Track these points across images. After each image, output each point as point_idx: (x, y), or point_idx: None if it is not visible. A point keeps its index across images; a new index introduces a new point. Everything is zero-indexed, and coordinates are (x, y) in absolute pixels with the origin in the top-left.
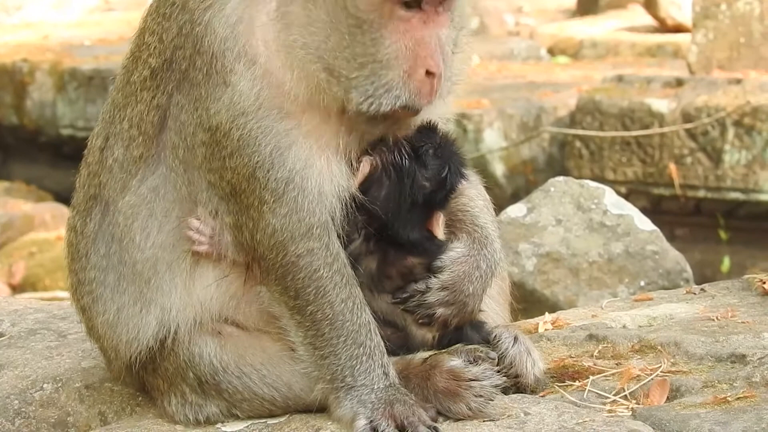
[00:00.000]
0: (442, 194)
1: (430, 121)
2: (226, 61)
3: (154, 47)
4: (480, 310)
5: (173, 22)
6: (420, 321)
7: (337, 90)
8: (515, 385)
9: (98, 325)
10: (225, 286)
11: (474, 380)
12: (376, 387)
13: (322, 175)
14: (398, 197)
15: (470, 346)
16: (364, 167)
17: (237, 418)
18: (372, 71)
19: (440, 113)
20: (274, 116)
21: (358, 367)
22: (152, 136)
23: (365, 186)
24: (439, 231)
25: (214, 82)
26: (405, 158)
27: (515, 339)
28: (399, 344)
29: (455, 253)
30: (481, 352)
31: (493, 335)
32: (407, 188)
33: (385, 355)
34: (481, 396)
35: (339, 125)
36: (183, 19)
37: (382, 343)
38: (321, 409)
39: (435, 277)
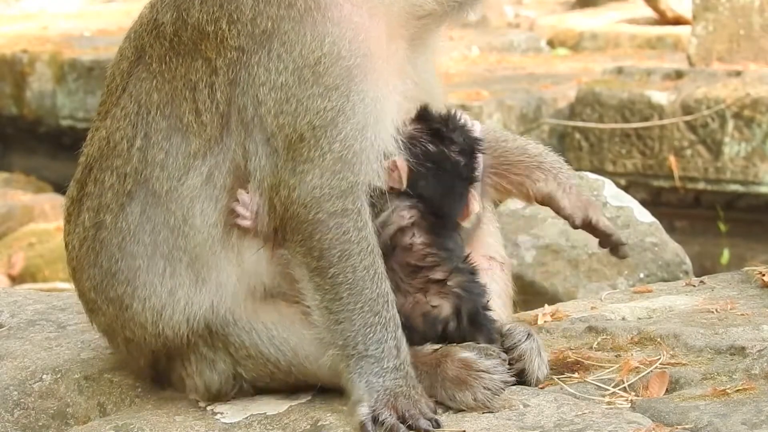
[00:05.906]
0: (472, 162)
1: (425, 106)
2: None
3: (228, 31)
4: (490, 308)
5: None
6: None
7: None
8: (516, 376)
9: (140, 312)
10: (267, 261)
11: (485, 372)
12: (385, 365)
13: (389, 129)
14: (445, 180)
15: (482, 345)
16: (402, 167)
17: (241, 379)
18: None
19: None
20: (371, 57)
21: (371, 335)
22: (224, 112)
23: (412, 182)
24: (477, 205)
25: (313, 23)
26: (429, 144)
27: (528, 335)
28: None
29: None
30: (493, 351)
31: (506, 328)
32: (448, 169)
33: (399, 329)
34: (489, 389)
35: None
36: None
37: (397, 317)
38: (322, 390)
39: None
